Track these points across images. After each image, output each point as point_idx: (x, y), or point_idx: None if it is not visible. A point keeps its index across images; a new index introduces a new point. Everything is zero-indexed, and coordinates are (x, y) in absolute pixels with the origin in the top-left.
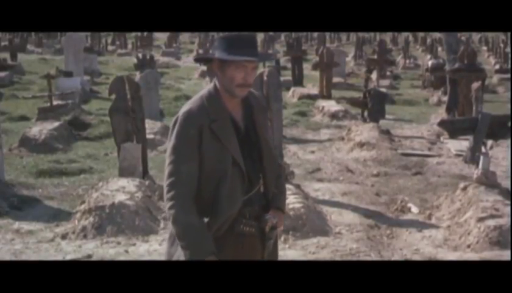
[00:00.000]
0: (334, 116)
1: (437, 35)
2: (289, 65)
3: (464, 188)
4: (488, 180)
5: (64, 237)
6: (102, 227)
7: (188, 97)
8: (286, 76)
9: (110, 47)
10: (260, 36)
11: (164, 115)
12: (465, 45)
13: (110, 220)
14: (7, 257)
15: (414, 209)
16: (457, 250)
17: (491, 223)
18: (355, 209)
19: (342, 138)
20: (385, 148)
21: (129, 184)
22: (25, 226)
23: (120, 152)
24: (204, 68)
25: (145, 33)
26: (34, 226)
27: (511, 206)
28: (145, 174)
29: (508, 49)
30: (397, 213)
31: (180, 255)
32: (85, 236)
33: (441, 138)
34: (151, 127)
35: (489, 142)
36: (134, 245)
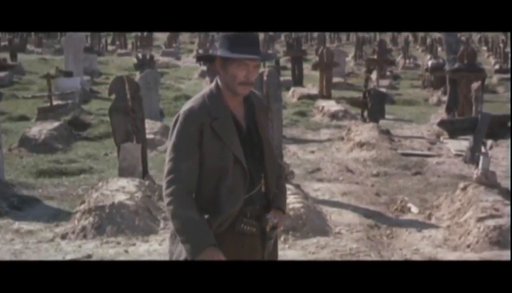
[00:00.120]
0: (334, 116)
1: (437, 35)
2: (289, 65)
3: (464, 188)
4: (488, 180)
5: (64, 237)
6: (101, 227)
7: (187, 97)
8: (286, 76)
9: (109, 47)
10: (260, 36)
11: (164, 115)
12: (465, 45)
13: (110, 220)
14: (7, 257)
15: (414, 209)
16: (457, 250)
17: (491, 223)
18: (355, 209)
19: (342, 138)
20: (385, 148)
21: (129, 184)
22: (25, 226)
23: (120, 152)
24: (204, 68)
25: (145, 33)
26: (34, 226)
27: (511, 206)
28: (145, 174)
29: (508, 49)
30: (397, 213)
31: (181, 251)
32: (84, 236)
33: (441, 138)
34: (151, 127)
35: (489, 142)
36: (134, 245)
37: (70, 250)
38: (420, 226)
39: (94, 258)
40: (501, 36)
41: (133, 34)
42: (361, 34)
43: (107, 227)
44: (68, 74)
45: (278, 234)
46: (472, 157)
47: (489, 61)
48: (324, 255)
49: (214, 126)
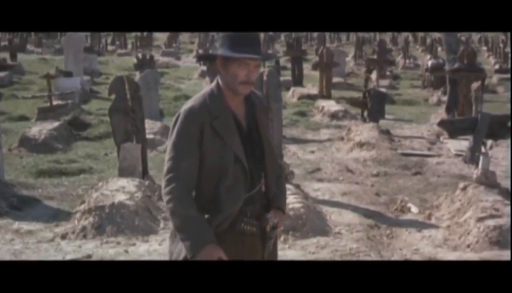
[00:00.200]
0: (334, 116)
1: (437, 35)
2: (289, 65)
3: (464, 188)
4: (488, 180)
5: (64, 237)
6: (101, 228)
7: (187, 97)
8: (286, 76)
9: (109, 47)
10: (260, 36)
11: (164, 115)
12: (465, 45)
13: (110, 220)
14: (7, 257)
15: (414, 209)
16: (457, 250)
17: (491, 223)
18: (355, 209)
19: (342, 138)
20: (385, 147)
21: (129, 184)
22: (25, 226)
23: (120, 152)
24: (204, 68)
25: (145, 33)
26: (34, 226)
27: (511, 205)
28: (145, 174)
29: (508, 49)
30: (397, 213)
31: (180, 250)
32: (84, 236)
33: (441, 138)
34: (151, 127)
35: (489, 142)
36: (134, 245)
37: (70, 250)
38: (420, 226)
39: (94, 258)
40: (501, 36)
41: (133, 34)
42: (361, 34)
43: (107, 228)
44: (68, 74)
45: (278, 234)
46: (472, 157)
47: (488, 61)
48: (324, 255)
49: (214, 125)
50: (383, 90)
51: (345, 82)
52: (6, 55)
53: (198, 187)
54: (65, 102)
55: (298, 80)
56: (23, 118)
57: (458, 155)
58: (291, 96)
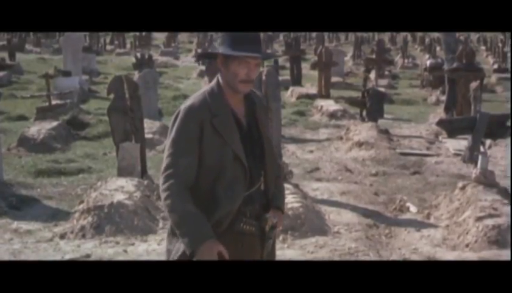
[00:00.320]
0: (332, 115)
1: (435, 34)
2: (287, 65)
3: (463, 188)
4: (487, 180)
5: (62, 236)
6: (100, 227)
7: (186, 97)
8: (285, 76)
9: (108, 47)
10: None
11: (162, 115)
12: (464, 45)
13: (109, 219)
14: (6, 257)
15: (413, 209)
16: (455, 249)
17: (490, 222)
18: (354, 209)
19: (341, 138)
20: (384, 147)
21: (128, 184)
22: (24, 225)
23: (119, 151)
24: (202, 67)
25: (143, 33)
26: (33, 225)
27: (511, 205)
28: (143, 173)
29: (506, 49)
30: (396, 212)
31: (178, 249)
32: (83, 236)
33: (440, 138)
34: (150, 126)
35: (488, 141)
36: (133, 244)
37: (69, 250)
38: (418, 225)
39: (92, 258)
40: (500, 35)
41: (132, 34)
42: (359, 34)
43: (106, 227)
44: (67, 74)
45: (277, 233)
46: (470, 157)
47: (487, 61)
48: (323, 254)
49: (214, 122)
50: (382, 89)
51: (344, 81)
52: (5, 54)
53: (196, 184)
54: (64, 101)
55: (297, 80)
56: (22, 118)
57: (456, 155)
58: (289, 95)
